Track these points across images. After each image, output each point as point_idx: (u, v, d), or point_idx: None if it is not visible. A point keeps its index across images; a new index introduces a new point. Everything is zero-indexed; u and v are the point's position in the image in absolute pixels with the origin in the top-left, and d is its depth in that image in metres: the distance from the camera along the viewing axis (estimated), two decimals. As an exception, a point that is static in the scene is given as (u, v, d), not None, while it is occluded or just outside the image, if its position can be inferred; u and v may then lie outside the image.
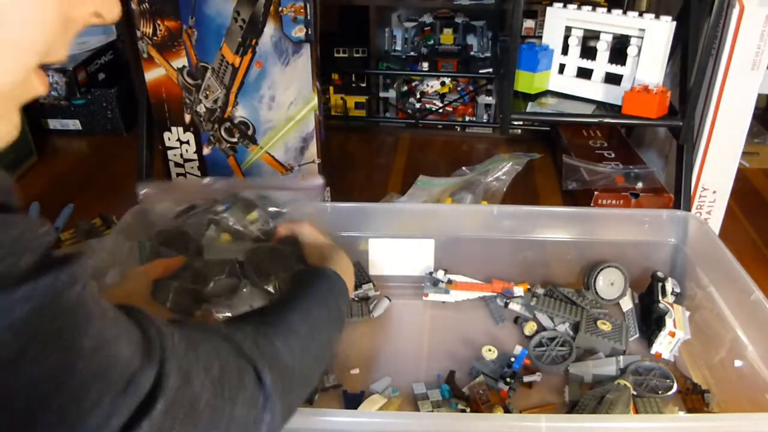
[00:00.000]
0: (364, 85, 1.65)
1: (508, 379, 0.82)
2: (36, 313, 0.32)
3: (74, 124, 1.63)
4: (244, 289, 0.77)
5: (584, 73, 1.08)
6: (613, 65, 1.04)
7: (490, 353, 0.89)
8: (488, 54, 1.64)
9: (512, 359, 0.86)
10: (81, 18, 0.37)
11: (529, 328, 0.94)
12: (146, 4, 1.01)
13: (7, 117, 0.36)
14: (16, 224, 0.33)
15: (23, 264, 0.32)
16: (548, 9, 1.08)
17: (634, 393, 0.80)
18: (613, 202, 1.24)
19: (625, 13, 1.00)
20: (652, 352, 0.89)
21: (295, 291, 0.65)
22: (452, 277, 1.00)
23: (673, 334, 0.88)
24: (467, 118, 1.67)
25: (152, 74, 1.07)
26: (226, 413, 0.44)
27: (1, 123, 0.35)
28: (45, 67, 0.36)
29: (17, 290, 0.31)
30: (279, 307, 0.61)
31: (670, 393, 0.82)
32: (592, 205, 1.24)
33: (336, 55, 1.64)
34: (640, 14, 0.99)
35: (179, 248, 0.85)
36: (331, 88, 1.64)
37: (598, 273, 0.97)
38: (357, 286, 1.01)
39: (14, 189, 0.36)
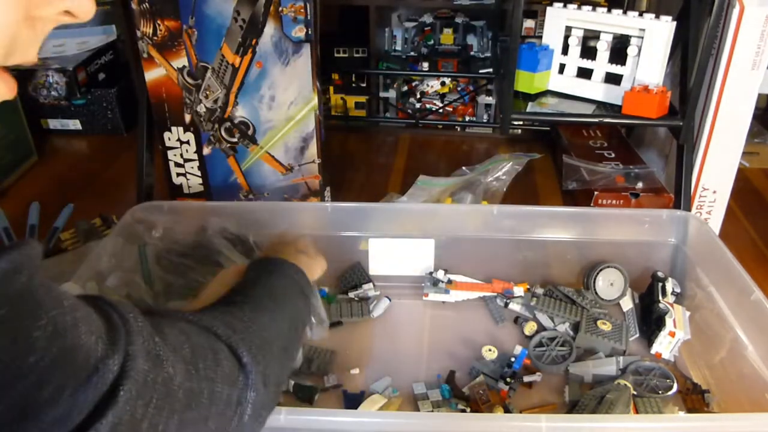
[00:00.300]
0: (364, 85, 1.65)
1: (508, 379, 0.82)
2: None
3: (74, 124, 1.62)
4: None
5: (584, 73, 1.08)
6: (613, 65, 1.04)
7: (490, 353, 0.89)
8: (488, 54, 1.64)
9: (512, 359, 0.86)
10: (48, 17, 0.35)
11: (529, 328, 0.94)
12: (146, 4, 1.01)
13: None
14: None
15: None
16: (548, 9, 1.08)
17: (634, 393, 0.81)
18: (613, 202, 1.24)
19: (625, 13, 1.00)
20: (652, 352, 0.89)
21: (249, 276, 0.65)
22: (452, 277, 1.00)
23: (673, 334, 0.88)
24: (467, 118, 1.67)
25: (152, 74, 1.07)
26: (205, 393, 0.42)
27: None
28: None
29: None
30: (239, 290, 0.61)
31: (670, 393, 0.82)
32: (592, 205, 1.24)
33: (336, 55, 1.63)
34: (640, 14, 0.99)
35: (197, 260, 0.86)
36: (331, 88, 1.64)
37: (598, 273, 0.97)
38: (357, 286, 1.01)
39: None
